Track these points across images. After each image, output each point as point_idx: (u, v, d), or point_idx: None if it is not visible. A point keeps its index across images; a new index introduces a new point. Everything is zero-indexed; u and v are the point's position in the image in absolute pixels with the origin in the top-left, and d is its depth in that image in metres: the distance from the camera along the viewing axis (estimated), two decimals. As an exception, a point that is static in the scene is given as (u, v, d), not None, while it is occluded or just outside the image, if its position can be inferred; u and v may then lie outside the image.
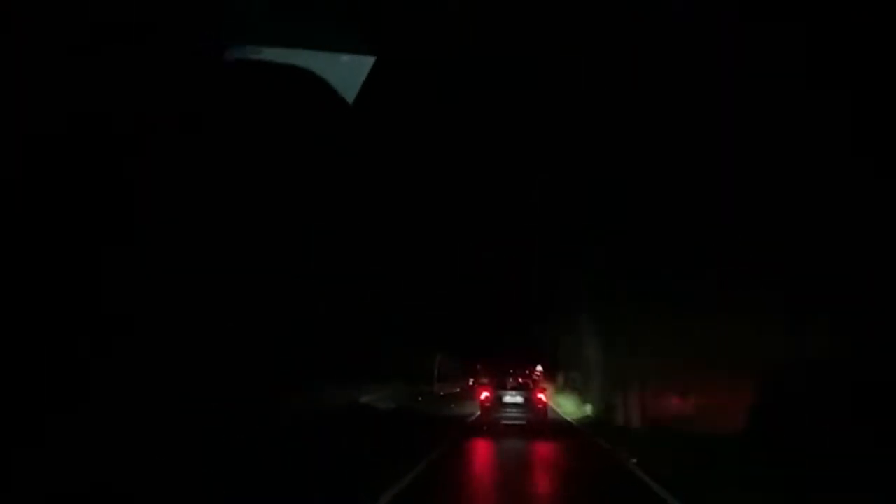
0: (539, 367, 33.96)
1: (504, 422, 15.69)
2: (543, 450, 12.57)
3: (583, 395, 23.02)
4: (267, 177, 9.31)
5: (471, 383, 36.34)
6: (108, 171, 6.79)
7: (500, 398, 16.17)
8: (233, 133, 7.19)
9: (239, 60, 5.98)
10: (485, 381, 21.21)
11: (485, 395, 16.91)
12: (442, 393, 32.50)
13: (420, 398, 25.89)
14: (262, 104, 6.71)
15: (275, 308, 11.10)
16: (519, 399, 16.06)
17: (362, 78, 6.21)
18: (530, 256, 19.59)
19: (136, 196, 7.10)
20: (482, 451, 12.35)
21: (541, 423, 15.53)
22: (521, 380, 17.53)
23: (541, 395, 16.55)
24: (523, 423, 15.49)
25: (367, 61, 6.16)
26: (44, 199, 6.02)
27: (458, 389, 36.47)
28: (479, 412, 17.28)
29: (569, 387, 27.19)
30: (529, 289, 23.71)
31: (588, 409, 21.14)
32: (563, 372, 29.64)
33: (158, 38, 5.67)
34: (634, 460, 10.13)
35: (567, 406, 24.87)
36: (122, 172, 6.83)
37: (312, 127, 7.20)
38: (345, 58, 6.16)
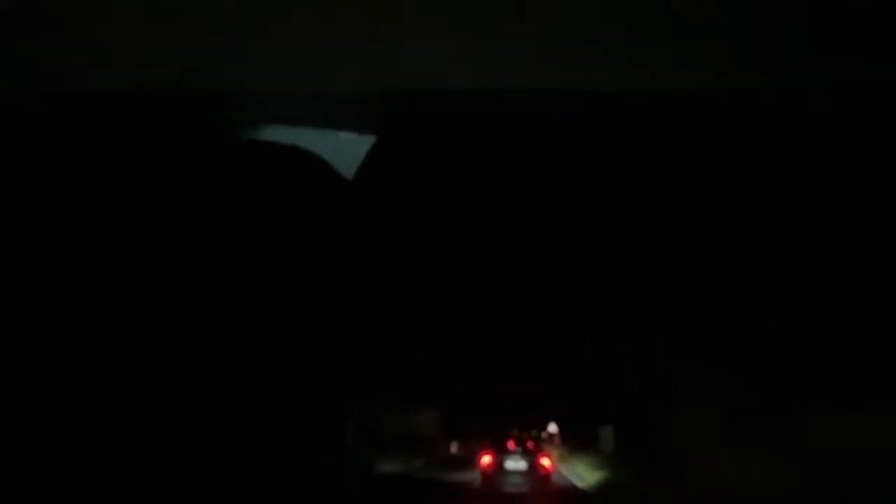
0: (552, 427, 30.58)
1: (506, 489, 15.33)
2: None
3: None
4: (270, 247, 9.19)
5: (454, 450, 24.07)
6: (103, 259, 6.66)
7: (501, 463, 15.87)
8: (234, 212, 7.07)
9: (239, 140, 5.97)
10: (485, 445, 20.56)
11: (486, 459, 16.54)
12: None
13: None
14: (265, 182, 6.64)
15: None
16: (522, 465, 15.74)
17: (362, 155, 6.19)
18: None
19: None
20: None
21: (544, 491, 15.20)
22: (527, 443, 17.21)
23: (544, 461, 16.20)
24: (526, 489, 15.16)
25: (368, 139, 6.15)
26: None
27: (433, 462, 22.32)
28: (479, 479, 16.87)
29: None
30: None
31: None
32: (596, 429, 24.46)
33: (160, 119, 5.68)
34: None
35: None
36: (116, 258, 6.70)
37: (313, 204, 7.11)
38: (344, 135, 6.15)
